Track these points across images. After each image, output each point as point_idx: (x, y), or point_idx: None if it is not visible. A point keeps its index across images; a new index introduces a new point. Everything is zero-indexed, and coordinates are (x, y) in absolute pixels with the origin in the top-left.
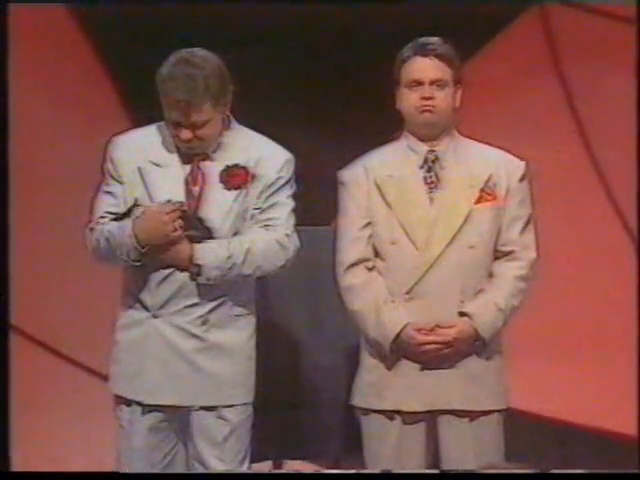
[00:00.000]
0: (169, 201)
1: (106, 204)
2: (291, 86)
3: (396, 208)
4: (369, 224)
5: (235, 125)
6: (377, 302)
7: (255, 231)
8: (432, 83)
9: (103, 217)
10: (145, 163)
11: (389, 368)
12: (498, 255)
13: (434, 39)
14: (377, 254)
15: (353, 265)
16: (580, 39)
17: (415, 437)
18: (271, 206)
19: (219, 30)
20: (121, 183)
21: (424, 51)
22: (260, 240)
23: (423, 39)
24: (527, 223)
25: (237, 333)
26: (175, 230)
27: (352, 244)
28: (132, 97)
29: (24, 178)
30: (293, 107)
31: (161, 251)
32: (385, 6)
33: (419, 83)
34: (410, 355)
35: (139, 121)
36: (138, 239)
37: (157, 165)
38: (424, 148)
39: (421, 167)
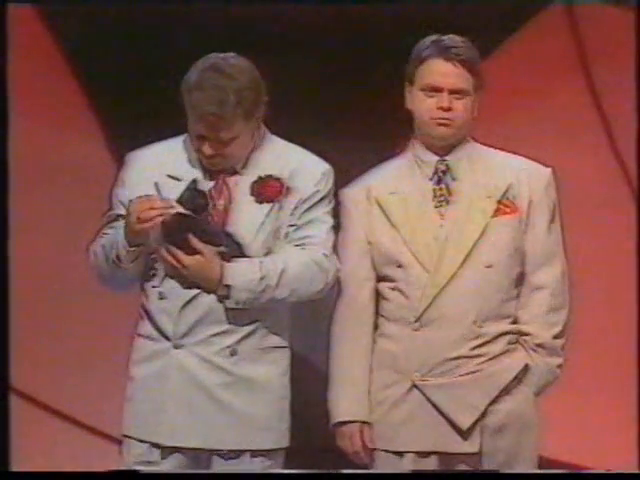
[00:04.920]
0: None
1: (108, 225)
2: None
3: (401, 228)
4: (369, 248)
5: (268, 136)
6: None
7: (289, 250)
8: (452, 92)
9: (105, 233)
10: (162, 177)
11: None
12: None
13: (459, 40)
14: (382, 279)
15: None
16: (609, 36)
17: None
18: (307, 223)
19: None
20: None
21: (448, 54)
22: (295, 260)
23: (448, 40)
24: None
25: (269, 367)
26: (139, 221)
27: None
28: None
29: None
30: (331, 118)
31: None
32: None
33: (437, 90)
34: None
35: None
36: (126, 236)
37: (176, 179)
38: (434, 158)
39: (430, 179)
